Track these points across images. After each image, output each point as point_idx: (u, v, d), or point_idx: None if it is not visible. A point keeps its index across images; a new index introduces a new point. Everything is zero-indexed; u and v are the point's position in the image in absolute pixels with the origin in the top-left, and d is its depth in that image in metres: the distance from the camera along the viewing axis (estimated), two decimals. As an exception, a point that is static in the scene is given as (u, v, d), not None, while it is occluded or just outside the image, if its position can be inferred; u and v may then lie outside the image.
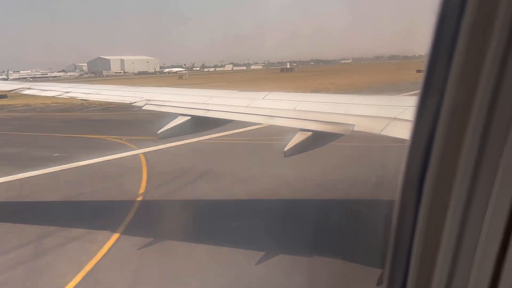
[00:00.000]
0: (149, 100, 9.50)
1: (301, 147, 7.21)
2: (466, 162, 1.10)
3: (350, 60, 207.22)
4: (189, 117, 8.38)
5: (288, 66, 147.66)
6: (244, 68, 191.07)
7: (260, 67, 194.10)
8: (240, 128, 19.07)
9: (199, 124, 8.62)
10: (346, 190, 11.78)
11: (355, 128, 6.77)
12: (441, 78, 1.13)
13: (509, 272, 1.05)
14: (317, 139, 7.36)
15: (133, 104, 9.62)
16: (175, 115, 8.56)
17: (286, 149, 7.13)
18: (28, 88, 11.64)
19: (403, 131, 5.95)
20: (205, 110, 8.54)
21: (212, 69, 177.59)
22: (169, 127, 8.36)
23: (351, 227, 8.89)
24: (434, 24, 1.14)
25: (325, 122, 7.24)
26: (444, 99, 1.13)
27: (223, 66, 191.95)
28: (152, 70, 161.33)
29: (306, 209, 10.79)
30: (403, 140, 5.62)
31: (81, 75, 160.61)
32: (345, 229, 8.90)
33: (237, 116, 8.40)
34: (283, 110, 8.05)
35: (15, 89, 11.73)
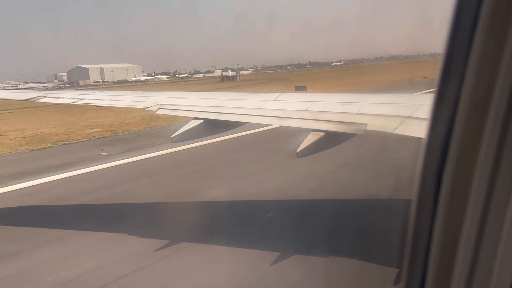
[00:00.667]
0: (162, 104, 9.62)
1: (314, 148, 7.21)
2: (484, 160, 1.09)
3: (342, 62, 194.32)
4: (202, 121, 8.47)
5: (230, 74, 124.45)
6: (235, 73, 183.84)
7: (250, 71, 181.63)
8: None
9: (212, 127, 8.70)
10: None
11: (368, 128, 6.73)
12: (458, 75, 1.11)
13: None
14: (330, 139, 7.34)
15: (147, 109, 9.75)
16: (189, 119, 8.68)
17: (298, 150, 7.13)
18: (45, 97, 11.89)
19: (417, 130, 5.89)
20: (218, 113, 8.61)
21: (201, 75, 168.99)
22: (183, 130, 8.47)
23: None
24: (450, 20, 1.13)
25: (338, 122, 7.22)
26: (461, 96, 1.11)
27: (212, 72, 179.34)
28: (134, 78, 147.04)
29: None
30: (417, 139, 5.57)
31: (59, 85, 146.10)
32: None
33: (250, 118, 8.44)
34: (295, 111, 8.06)
35: (31, 98, 11.99)
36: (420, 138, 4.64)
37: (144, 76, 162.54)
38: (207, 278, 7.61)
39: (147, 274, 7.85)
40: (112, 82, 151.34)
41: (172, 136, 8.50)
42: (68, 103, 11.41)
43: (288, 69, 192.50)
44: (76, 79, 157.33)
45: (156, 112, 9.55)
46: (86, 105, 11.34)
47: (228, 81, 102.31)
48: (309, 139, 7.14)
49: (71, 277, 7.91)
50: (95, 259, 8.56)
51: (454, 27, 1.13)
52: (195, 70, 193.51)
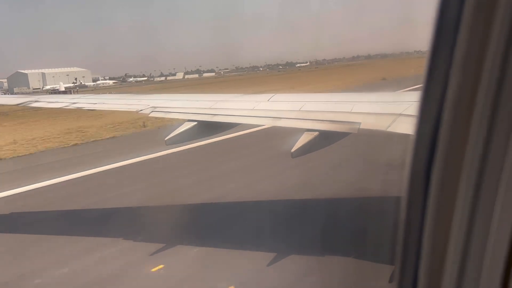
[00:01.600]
0: (155, 107, 9.57)
1: (308, 147, 7.21)
2: (472, 155, 1.09)
3: (308, 63, 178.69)
4: (196, 123, 8.44)
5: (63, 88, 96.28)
6: (197, 76, 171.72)
7: (213, 74, 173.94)
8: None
9: (206, 129, 8.67)
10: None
11: (362, 126, 6.76)
12: (443, 73, 1.12)
13: None
14: (324, 139, 7.35)
15: (140, 112, 9.70)
16: (182, 121, 8.65)
17: (293, 150, 7.13)
18: (36, 101, 11.79)
19: (410, 127, 5.92)
20: (211, 115, 8.58)
21: (162, 78, 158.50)
22: (176, 133, 8.42)
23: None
24: (435, 18, 1.13)
25: (331, 121, 7.24)
26: (447, 94, 1.12)
27: (174, 74, 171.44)
28: (75, 83, 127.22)
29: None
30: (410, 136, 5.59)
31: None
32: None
33: (243, 119, 8.43)
34: (288, 111, 8.06)
35: (23, 103, 11.88)
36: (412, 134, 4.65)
37: (104, 80, 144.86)
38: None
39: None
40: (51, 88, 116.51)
41: (166, 139, 8.44)
42: (60, 107, 11.32)
43: (260, 70, 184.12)
44: (17, 86, 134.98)
45: (150, 115, 9.50)
46: (78, 109, 11.26)
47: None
48: (303, 139, 7.14)
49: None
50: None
51: (438, 25, 1.13)
52: (151, 74, 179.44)
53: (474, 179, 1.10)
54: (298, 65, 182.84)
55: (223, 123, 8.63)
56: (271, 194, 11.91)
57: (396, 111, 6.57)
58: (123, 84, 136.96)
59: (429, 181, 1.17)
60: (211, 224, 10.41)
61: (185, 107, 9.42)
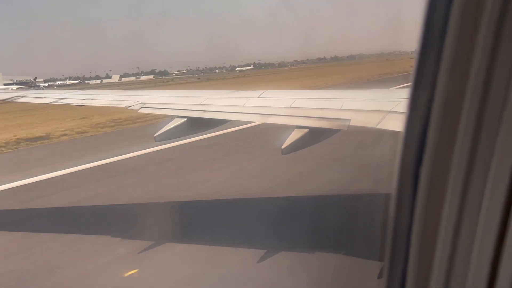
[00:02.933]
0: (144, 103, 9.49)
1: (299, 144, 7.24)
2: (460, 153, 1.11)
3: (251, 67, 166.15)
4: (186, 119, 8.40)
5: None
6: (134, 78, 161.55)
7: (151, 77, 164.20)
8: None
9: (196, 125, 8.63)
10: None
11: (351, 123, 6.80)
12: (432, 70, 1.13)
13: (507, 267, 1.06)
14: (314, 136, 7.39)
15: (129, 108, 9.61)
16: (172, 117, 8.58)
17: (283, 146, 7.15)
18: (23, 96, 11.60)
19: (400, 124, 5.98)
20: (202, 111, 8.55)
21: (98, 81, 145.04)
22: (166, 129, 8.37)
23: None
24: (423, 15, 1.14)
25: (321, 118, 7.27)
26: (436, 91, 1.13)
27: (110, 77, 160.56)
28: None
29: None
30: (399, 133, 5.65)
31: None
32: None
33: (234, 116, 8.42)
34: (279, 108, 8.07)
35: (10, 98, 11.68)
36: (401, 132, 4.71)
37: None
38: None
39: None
40: None
41: (155, 135, 8.40)
42: (48, 103, 11.15)
43: (216, 72, 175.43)
44: None
45: (139, 111, 9.42)
46: (66, 104, 11.10)
47: None
48: (294, 136, 7.16)
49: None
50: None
51: (427, 20, 1.14)
52: (84, 76, 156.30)
53: (462, 177, 1.12)
54: (239, 68, 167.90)
55: (213, 119, 8.61)
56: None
57: (386, 108, 6.62)
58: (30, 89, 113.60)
59: (418, 179, 1.18)
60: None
61: (175, 103, 9.36)
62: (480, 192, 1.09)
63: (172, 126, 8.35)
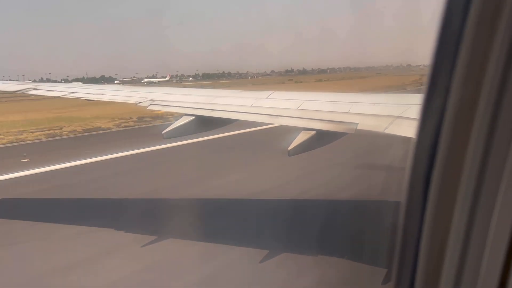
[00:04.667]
0: (154, 100, 9.56)
1: (305, 146, 7.23)
2: (472, 161, 1.10)
3: (167, 78, 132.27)
4: (194, 117, 8.44)
5: None
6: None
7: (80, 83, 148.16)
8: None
9: (204, 123, 8.68)
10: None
11: (359, 127, 6.78)
12: (447, 76, 1.13)
13: None
14: (321, 138, 7.38)
15: (138, 105, 9.69)
16: (180, 115, 8.65)
17: (290, 148, 7.15)
18: (34, 89, 11.71)
19: (407, 129, 5.95)
20: (210, 110, 8.59)
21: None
22: (174, 127, 8.44)
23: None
24: (439, 20, 1.14)
25: (329, 121, 7.26)
26: (450, 97, 1.13)
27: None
28: None
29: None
30: (407, 138, 5.63)
31: None
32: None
33: (242, 115, 8.44)
34: (287, 109, 8.07)
35: (21, 90, 11.81)
36: (410, 138, 4.69)
37: None
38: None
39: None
40: None
41: (163, 132, 8.46)
42: (58, 96, 11.26)
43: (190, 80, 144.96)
44: None
45: (148, 108, 9.49)
46: (77, 98, 11.21)
47: None
48: (300, 138, 7.16)
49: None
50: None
51: (443, 26, 1.14)
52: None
53: (473, 184, 1.11)
54: (146, 80, 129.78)
55: (221, 118, 8.64)
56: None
57: (394, 113, 6.59)
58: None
59: (429, 185, 1.18)
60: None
61: (184, 101, 9.41)
62: (491, 200, 1.08)
63: (181, 123, 8.41)
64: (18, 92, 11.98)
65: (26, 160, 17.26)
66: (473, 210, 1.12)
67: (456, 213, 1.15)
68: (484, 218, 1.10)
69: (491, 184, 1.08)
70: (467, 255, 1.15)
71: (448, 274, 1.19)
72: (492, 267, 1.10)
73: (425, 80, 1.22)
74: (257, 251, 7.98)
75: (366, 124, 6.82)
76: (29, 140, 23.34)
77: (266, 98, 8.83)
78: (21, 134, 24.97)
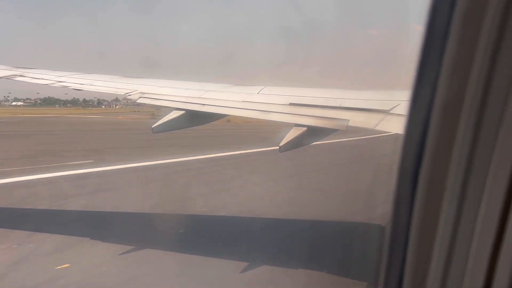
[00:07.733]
0: (143, 93, 9.44)
1: (296, 142, 7.22)
2: (459, 156, 1.11)
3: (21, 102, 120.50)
4: (184, 111, 8.36)
5: None
6: None
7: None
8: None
9: (194, 118, 8.60)
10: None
11: (350, 123, 6.80)
12: (433, 73, 1.14)
13: (504, 267, 1.07)
14: (312, 134, 7.38)
15: (127, 97, 9.55)
16: (170, 109, 8.55)
17: (281, 144, 7.14)
18: (20, 76, 11.35)
19: (398, 126, 5.98)
20: (200, 105, 8.51)
21: None
22: (164, 121, 8.34)
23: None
24: (426, 17, 1.15)
25: (320, 117, 7.26)
26: (437, 94, 1.14)
27: None
28: None
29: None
30: (397, 135, 5.66)
31: None
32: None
33: (233, 111, 8.40)
34: (278, 105, 8.05)
35: (5, 76, 11.44)
36: (400, 134, 4.72)
37: None
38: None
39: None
40: None
41: (153, 126, 8.37)
42: (45, 84, 10.95)
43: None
44: None
45: (137, 101, 9.36)
46: (64, 87, 10.96)
47: None
48: (292, 134, 7.15)
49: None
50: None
51: (429, 22, 1.15)
52: None
53: (460, 180, 1.12)
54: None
55: (212, 113, 8.58)
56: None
57: (385, 109, 6.62)
58: None
59: (417, 180, 1.19)
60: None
61: (174, 95, 9.31)
62: (478, 194, 1.09)
63: (170, 118, 8.31)
64: (2, 78, 11.60)
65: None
66: (461, 204, 1.13)
67: (445, 207, 1.16)
68: (472, 212, 1.11)
69: (478, 178, 1.09)
70: (455, 248, 1.16)
71: (437, 268, 1.20)
72: (480, 261, 1.11)
73: (412, 76, 1.22)
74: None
75: (357, 121, 6.85)
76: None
77: (257, 93, 8.80)
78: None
